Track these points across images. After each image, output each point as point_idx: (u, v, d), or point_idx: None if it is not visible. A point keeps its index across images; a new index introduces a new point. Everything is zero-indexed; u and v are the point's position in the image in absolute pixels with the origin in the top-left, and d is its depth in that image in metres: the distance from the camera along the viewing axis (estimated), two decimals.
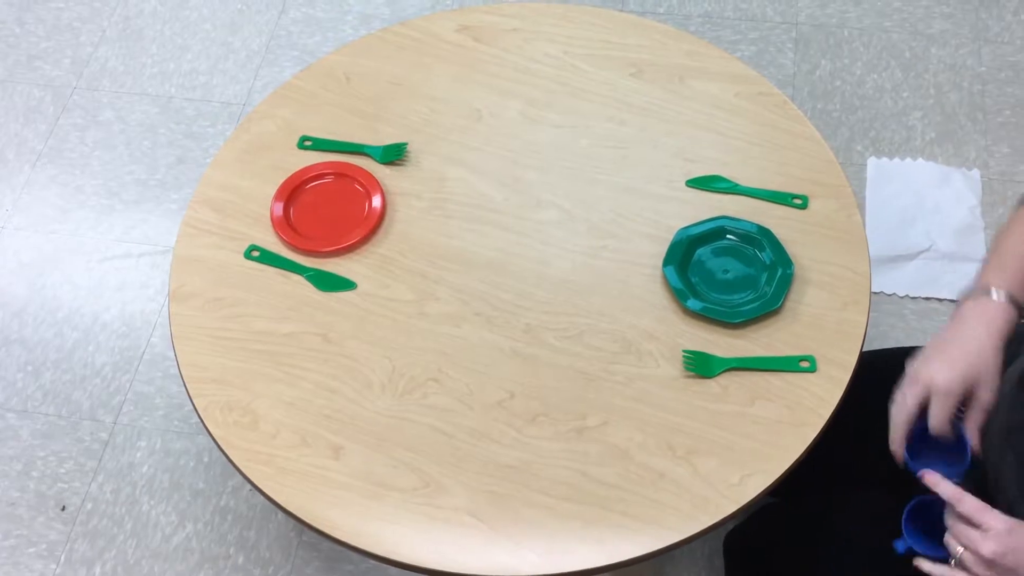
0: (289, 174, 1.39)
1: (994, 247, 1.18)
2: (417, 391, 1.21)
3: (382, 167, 1.41)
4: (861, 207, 1.36)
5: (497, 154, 1.42)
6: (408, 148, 1.42)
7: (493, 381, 1.22)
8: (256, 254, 1.33)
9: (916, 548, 1.08)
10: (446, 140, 1.43)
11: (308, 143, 1.44)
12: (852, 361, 1.21)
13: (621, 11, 1.57)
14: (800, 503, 1.36)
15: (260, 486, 1.15)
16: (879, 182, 2.14)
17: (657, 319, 1.26)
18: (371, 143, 1.43)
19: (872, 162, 2.17)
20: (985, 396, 1.10)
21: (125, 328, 2.04)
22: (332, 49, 2.20)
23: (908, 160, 2.17)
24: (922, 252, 2.04)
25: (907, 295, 2.00)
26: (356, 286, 1.29)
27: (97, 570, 1.77)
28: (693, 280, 1.27)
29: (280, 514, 1.81)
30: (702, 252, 1.30)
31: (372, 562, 1.75)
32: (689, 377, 1.21)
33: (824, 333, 1.23)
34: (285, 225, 1.35)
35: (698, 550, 1.74)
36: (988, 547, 0.97)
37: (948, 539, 1.03)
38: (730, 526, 1.41)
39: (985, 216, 2.09)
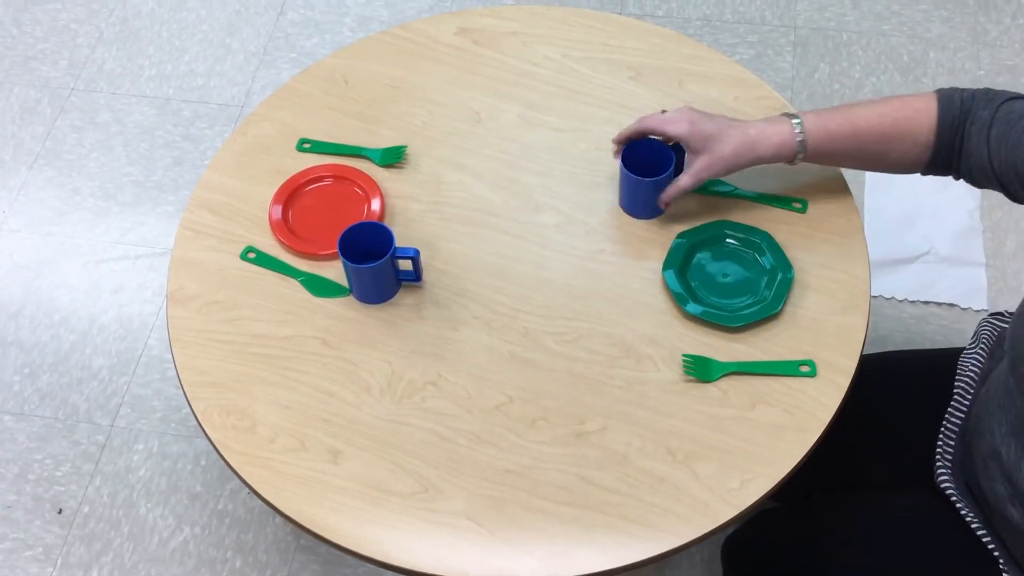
0: (288, 177, 1.39)
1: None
2: (416, 395, 1.21)
3: (381, 170, 1.40)
4: (860, 211, 1.36)
5: (496, 157, 1.41)
6: (407, 151, 1.42)
7: (492, 385, 1.21)
8: (252, 255, 1.33)
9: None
10: (445, 143, 1.43)
11: (307, 146, 1.43)
12: (852, 366, 1.21)
13: (620, 14, 1.57)
14: (800, 508, 1.36)
15: (258, 490, 1.15)
16: (878, 186, 2.14)
17: (657, 323, 1.25)
18: (370, 146, 1.43)
19: None
20: (699, 163, 1.23)
21: (122, 331, 2.04)
22: (330, 51, 2.20)
23: None
24: (921, 256, 2.04)
25: (906, 299, 2.00)
26: (349, 292, 1.29)
27: (94, 574, 1.76)
28: (693, 284, 1.27)
29: (278, 518, 1.80)
30: (702, 256, 1.29)
31: (370, 566, 1.73)
32: (689, 381, 1.21)
33: (824, 337, 1.23)
34: (284, 228, 1.34)
35: (697, 555, 1.74)
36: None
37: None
38: (729, 531, 1.41)
39: (984, 220, 2.09)
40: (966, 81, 2.30)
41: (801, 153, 1.22)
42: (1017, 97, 1.14)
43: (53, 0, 2.59)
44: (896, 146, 1.19)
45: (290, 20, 2.52)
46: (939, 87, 1.20)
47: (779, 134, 1.21)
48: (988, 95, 1.15)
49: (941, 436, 1.24)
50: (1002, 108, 1.12)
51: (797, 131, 1.20)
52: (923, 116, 1.17)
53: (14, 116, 2.37)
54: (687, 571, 1.73)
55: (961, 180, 1.19)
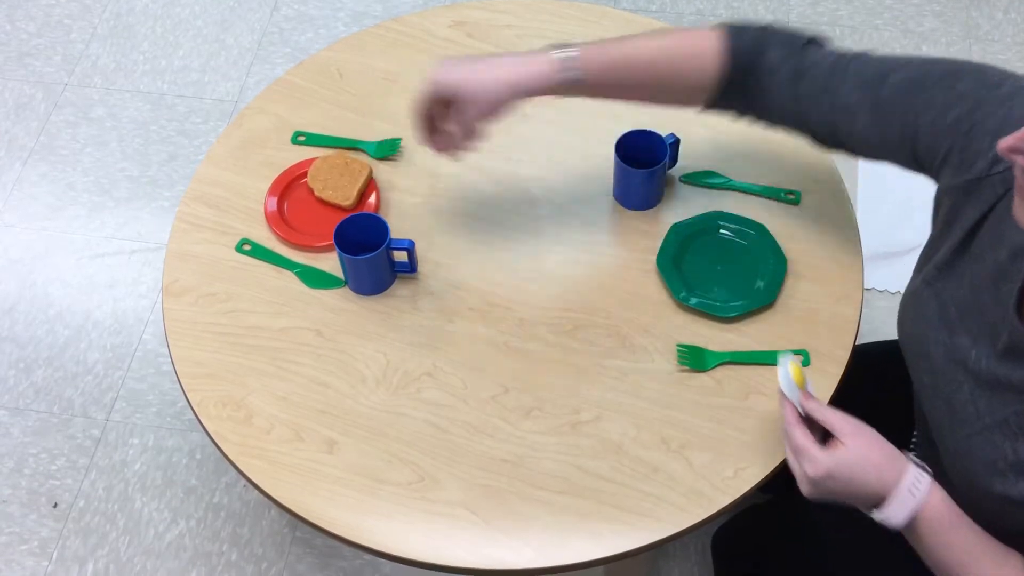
0: (283, 169, 1.39)
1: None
2: (411, 386, 1.21)
3: (376, 162, 1.41)
4: (853, 203, 1.37)
5: (490, 150, 1.41)
6: (402, 143, 1.42)
7: (487, 376, 1.22)
8: (247, 248, 1.33)
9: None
10: None
11: (302, 138, 1.44)
12: (845, 356, 1.21)
13: (614, 8, 1.58)
14: (790, 499, 1.36)
15: (254, 480, 1.15)
16: (871, 178, 2.15)
17: (651, 314, 1.26)
18: (365, 138, 1.43)
19: None
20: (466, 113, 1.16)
21: (117, 325, 2.04)
22: (324, 46, 2.19)
23: None
24: (914, 249, 2.04)
25: (899, 291, 2.01)
26: (344, 283, 1.29)
27: (89, 567, 1.77)
28: (687, 275, 1.28)
29: (273, 510, 1.81)
30: (696, 247, 1.30)
31: (366, 557, 1.75)
32: (683, 371, 1.21)
33: (817, 328, 1.24)
34: (279, 220, 1.35)
35: (691, 544, 1.75)
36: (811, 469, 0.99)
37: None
38: (718, 524, 1.42)
39: None
40: None
41: (575, 75, 1.14)
42: (812, 42, 1.13)
43: None
44: (675, 83, 1.17)
45: (284, 15, 2.52)
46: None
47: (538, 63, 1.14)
48: (785, 39, 1.14)
49: None
50: (807, 57, 1.12)
51: (561, 57, 1.14)
52: (707, 54, 1.14)
53: (8, 112, 2.37)
54: (680, 560, 1.73)
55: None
